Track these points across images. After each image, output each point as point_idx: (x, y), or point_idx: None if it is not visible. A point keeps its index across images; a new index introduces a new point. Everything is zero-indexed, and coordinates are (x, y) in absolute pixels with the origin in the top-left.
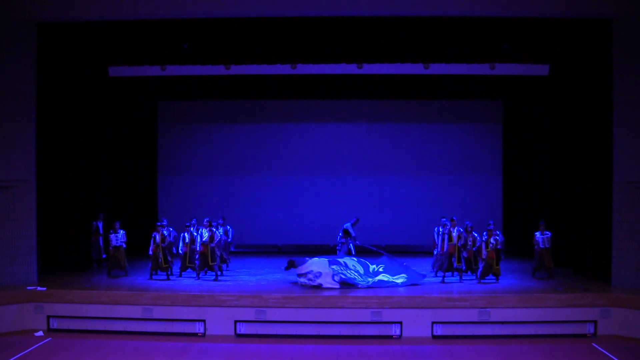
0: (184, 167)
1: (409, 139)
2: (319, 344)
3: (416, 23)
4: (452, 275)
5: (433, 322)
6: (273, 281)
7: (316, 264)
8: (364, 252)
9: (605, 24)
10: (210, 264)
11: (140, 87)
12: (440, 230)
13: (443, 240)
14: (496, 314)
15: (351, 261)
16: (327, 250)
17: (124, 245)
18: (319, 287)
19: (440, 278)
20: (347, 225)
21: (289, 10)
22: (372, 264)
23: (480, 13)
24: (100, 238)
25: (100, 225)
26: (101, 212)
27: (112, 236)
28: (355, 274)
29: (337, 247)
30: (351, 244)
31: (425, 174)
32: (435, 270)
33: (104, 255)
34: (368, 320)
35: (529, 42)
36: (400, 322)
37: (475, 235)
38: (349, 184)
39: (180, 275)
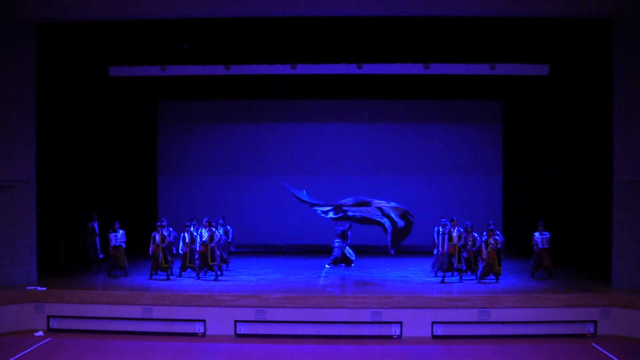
0: (184, 167)
1: (409, 139)
2: (318, 344)
3: (416, 23)
4: (452, 275)
5: (433, 322)
6: (273, 281)
7: None
8: (362, 252)
9: (605, 24)
10: (210, 264)
11: (140, 87)
12: (440, 230)
13: (443, 240)
14: (496, 314)
15: None
16: (328, 250)
17: (124, 245)
18: None
19: (440, 278)
20: (341, 229)
21: (289, 10)
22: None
23: (480, 13)
24: (97, 238)
25: (96, 225)
26: (101, 212)
27: (112, 235)
28: None
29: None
30: (347, 248)
31: (425, 174)
32: (435, 270)
33: (101, 255)
34: (368, 320)
35: (529, 42)
36: (400, 322)
37: (475, 235)
38: (349, 184)
39: (180, 275)
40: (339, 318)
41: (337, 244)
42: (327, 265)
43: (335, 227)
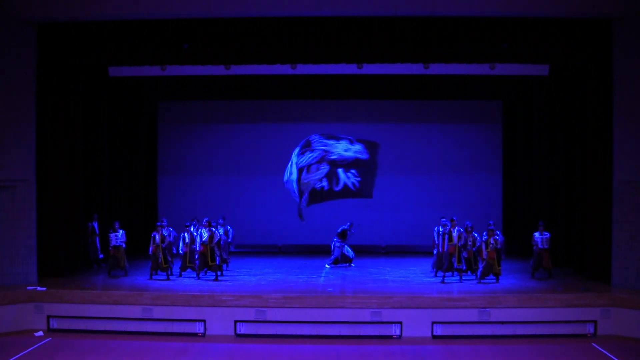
0: (184, 167)
1: (408, 139)
2: (319, 344)
3: (416, 23)
4: (452, 275)
5: (433, 322)
6: (273, 281)
7: None
8: (362, 252)
9: (605, 24)
10: (210, 264)
11: (140, 87)
12: (441, 230)
13: (443, 240)
14: (496, 314)
15: None
16: (327, 251)
17: (124, 245)
18: None
19: (440, 278)
20: (342, 228)
21: (289, 10)
22: None
23: (480, 13)
24: (97, 238)
25: (96, 225)
26: (101, 212)
27: (112, 235)
28: None
29: (332, 251)
30: (346, 247)
31: (425, 174)
32: (435, 270)
33: (101, 255)
34: (368, 320)
35: (529, 42)
36: (400, 322)
37: (475, 235)
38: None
39: (180, 275)
40: (339, 318)
41: (337, 244)
42: (327, 266)
43: (340, 228)
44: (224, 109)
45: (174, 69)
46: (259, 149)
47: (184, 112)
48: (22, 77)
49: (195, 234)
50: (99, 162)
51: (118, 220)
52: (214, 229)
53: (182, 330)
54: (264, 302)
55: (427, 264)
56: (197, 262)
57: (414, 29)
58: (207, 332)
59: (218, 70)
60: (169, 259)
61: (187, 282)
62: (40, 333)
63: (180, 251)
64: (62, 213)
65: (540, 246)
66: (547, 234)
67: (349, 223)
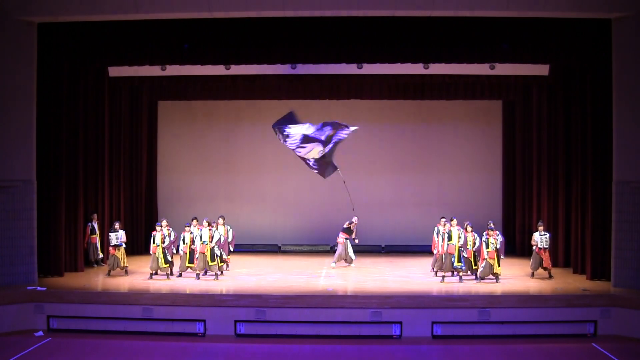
0: (184, 167)
1: (409, 139)
2: (319, 344)
3: (416, 23)
4: (452, 275)
5: (433, 322)
6: (273, 281)
7: None
8: (363, 251)
9: (605, 24)
10: (210, 264)
11: (140, 87)
12: (440, 230)
13: (443, 240)
14: (496, 314)
15: None
16: (327, 250)
17: (124, 245)
18: None
19: (440, 278)
20: (347, 224)
21: (289, 10)
22: None
23: (480, 13)
24: (97, 238)
25: (96, 225)
26: (101, 212)
27: (112, 235)
28: None
29: (335, 247)
30: (350, 245)
31: (424, 174)
32: (435, 270)
33: (101, 256)
34: (368, 320)
35: (529, 42)
36: (400, 322)
37: (476, 235)
38: (349, 184)
39: (180, 275)
40: (339, 318)
41: (340, 240)
42: (332, 264)
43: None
44: (224, 109)
45: (174, 69)
46: (259, 148)
47: (184, 112)
48: (22, 77)
49: (195, 234)
50: (99, 162)
51: (118, 220)
52: (213, 229)
53: (182, 330)
54: (264, 302)
55: (427, 264)
56: (197, 262)
57: (414, 29)
58: (207, 332)
59: (218, 70)
60: (169, 259)
61: (187, 282)
62: (40, 333)
63: (180, 251)
64: (62, 213)
65: (540, 246)
66: (547, 234)
67: (355, 217)
